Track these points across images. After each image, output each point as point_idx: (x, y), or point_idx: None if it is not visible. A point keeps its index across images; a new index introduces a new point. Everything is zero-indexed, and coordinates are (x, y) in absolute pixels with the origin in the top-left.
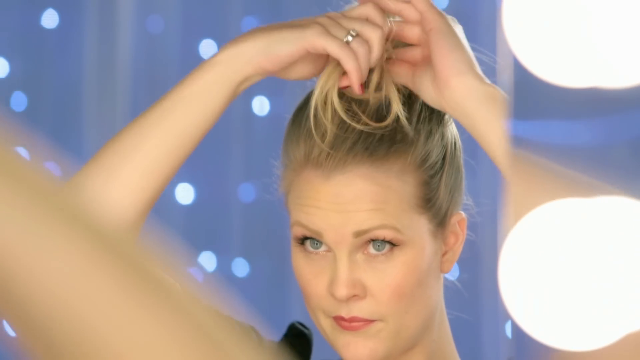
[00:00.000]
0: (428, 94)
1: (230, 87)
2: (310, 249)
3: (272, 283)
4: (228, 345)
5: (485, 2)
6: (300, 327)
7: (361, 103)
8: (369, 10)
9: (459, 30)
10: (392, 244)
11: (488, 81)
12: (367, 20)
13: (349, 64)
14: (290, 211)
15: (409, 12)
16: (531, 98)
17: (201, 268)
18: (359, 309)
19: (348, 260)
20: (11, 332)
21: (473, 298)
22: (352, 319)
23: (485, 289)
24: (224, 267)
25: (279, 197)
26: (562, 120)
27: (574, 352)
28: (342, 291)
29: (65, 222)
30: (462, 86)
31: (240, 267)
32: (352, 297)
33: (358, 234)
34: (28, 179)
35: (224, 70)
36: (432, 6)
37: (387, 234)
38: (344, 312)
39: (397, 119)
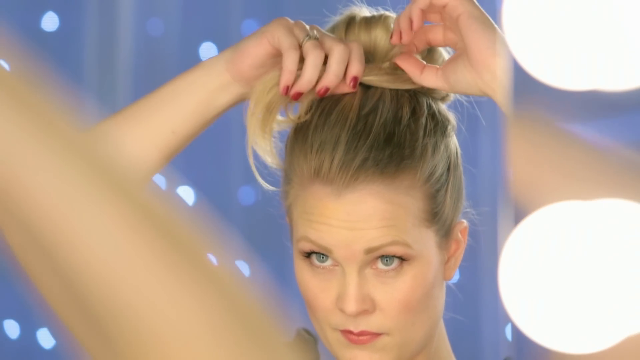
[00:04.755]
0: (465, 82)
1: (201, 92)
2: (317, 262)
3: (272, 286)
4: (264, 332)
5: (485, 4)
6: (305, 333)
7: (367, 120)
8: (354, 45)
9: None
10: (402, 259)
11: None
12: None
13: (286, 61)
14: (296, 225)
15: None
16: (531, 100)
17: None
18: (367, 323)
19: (358, 276)
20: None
21: (473, 301)
22: (361, 333)
23: (486, 291)
24: None
25: (280, 210)
26: (562, 123)
27: (574, 355)
28: (352, 307)
29: (93, 174)
30: (496, 59)
31: (241, 270)
32: (362, 312)
33: (369, 250)
34: (59, 126)
35: (199, 75)
36: None
37: (398, 250)
38: (353, 327)
39: (405, 133)
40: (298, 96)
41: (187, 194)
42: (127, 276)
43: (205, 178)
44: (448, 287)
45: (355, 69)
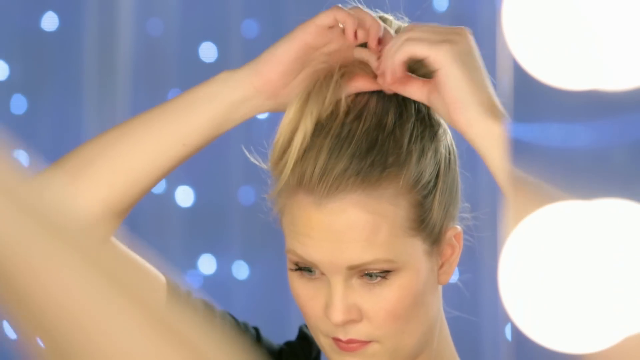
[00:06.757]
0: (442, 116)
1: (219, 106)
2: (305, 273)
3: (272, 285)
4: (209, 351)
5: (485, 5)
6: (307, 330)
7: (351, 127)
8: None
9: (471, 54)
10: (387, 271)
11: (498, 109)
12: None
13: (364, 16)
14: (285, 236)
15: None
16: (531, 101)
17: (201, 271)
18: (356, 332)
19: (343, 287)
20: (13, 334)
21: (473, 301)
22: (350, 341)
23: (486, 291)
24: (224, 270)
25: (271, 216)
26: (562, 122)
27: (574, 355)
28: (337, 317)
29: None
30: (464, 122)
31: (240, 270)
32: (349, 322)
33: (351, 267)
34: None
35: (215, 87)
36: (433, 45)
37: (381, 266)
38: (341, 335)
39: (389, 140)
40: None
41: (187, 194)
42: (83, 320)
43: (205, 178)
44: (453, 285)
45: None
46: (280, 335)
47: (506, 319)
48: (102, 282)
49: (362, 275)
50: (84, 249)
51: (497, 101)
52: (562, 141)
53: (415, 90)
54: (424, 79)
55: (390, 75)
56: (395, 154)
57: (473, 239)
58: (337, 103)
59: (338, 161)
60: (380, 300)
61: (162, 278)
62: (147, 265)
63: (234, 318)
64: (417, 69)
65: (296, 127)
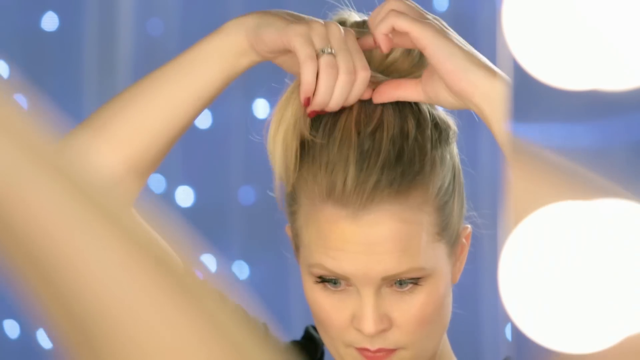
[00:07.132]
0: (447, 101)
1: (227, 57)
2: (330, 286)
3: (272, 285)
4: (245, 344)
5: (485, 4)
6: (313, 331)
7: (374, 137)
8: (362, 75)
9: (450, 33)
10: (418, 277)
11: (495, 70)
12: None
13: (304, 74)
14: (309, 249)
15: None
16: (531, 101)
17: (200, 270)
18: (384, 340)
19: (374, 297)
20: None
21: (473, 301)
22: (378, 350)
23: (486, 291)
24: (224, 270)
25: (287, 234)
26: (562, 122)
27: (574, 355)
28: (370, 328)
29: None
30: (469, 86)
31: (241, 270)
32: (380, 331)
33: (386, 278)
34: (30, 139)
35: (221, 40)
36: (415, 22)
37: (414, 275)
38: (369, 345)
39: (414, 148)
40: (314, 114)
41: (187, 194)
42: (112, 289)
43: (205, 178)
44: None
45: (352, 100)
46: (281, 335)
47: (506, 318)
48: (119, 239)
49: (393, 284)
50: (107, 209)
51: (491, 64)
52: (562, 141)
53: (411, 91)
54: (415, 78)
55: (379, 44)
56: (421, 162)
57: (473, 239)
58: (348, 108)
59: (370, 173)
60: (411, 308)
61: (180, 262)
62: (168, 246)
63: (245, 311)
64: (393, 71)
65: (280, 120)
